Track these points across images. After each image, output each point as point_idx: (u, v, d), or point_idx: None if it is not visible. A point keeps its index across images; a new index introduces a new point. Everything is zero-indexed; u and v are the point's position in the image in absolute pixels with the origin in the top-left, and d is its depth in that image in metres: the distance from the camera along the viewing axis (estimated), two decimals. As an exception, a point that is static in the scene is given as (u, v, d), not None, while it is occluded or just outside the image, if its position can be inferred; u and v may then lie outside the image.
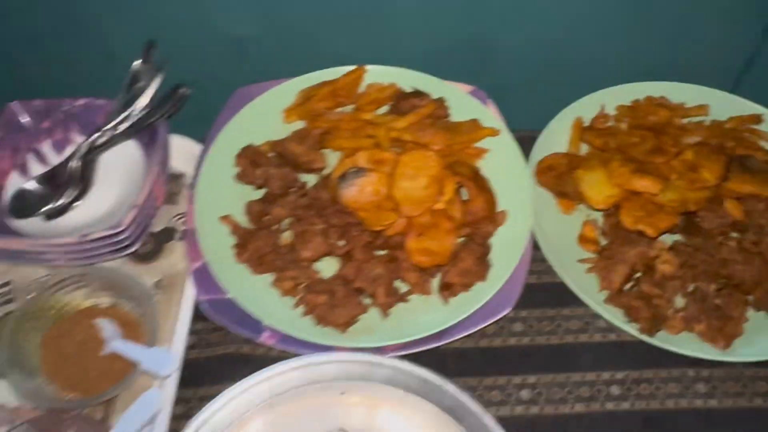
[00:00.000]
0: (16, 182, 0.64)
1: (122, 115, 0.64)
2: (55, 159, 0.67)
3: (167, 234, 0.66)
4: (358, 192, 0.60)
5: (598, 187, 0.63)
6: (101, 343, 0.58)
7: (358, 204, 0.60)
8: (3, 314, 0.61)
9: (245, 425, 0.52)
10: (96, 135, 0.64)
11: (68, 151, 0.67)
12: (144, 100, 0.64)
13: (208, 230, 0.62)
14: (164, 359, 0.54)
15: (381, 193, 0.60)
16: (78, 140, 0.67)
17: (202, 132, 0.70)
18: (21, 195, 0.62)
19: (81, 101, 0.66)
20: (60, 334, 0.59)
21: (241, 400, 0.52)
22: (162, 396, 0.53)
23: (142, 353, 0.55)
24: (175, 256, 0.65)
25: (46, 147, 0.67)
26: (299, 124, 0.70)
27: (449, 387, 0.52)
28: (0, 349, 0.56)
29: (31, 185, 0.63)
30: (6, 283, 0.63)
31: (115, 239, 0.58)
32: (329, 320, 0.58)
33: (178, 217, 0.67)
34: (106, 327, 0.59)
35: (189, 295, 0.61)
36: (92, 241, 0.58)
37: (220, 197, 0.65)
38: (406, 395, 0.53)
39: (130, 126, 0.64)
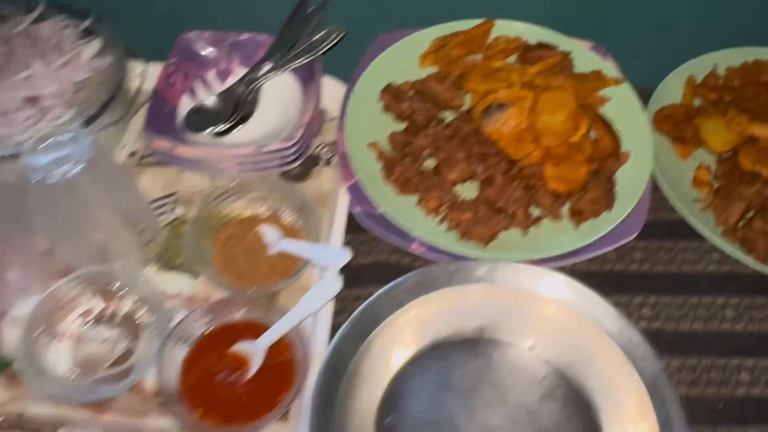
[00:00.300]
0: (185, 104, 0.72)
1: (282, 50, 0.72)
2: (218, 87, 0.74)
3: (314, 160, 0.73)
4: (501, 124, 0.67)
5: (718, 132, 0.69)
6: (266, 246, 0.65)
7: (500, 135, 0.67)
8: (172, 219, 0.69)
9: (403, 314, 0.59)
10: (258, 67, 0.72)
11: (229, 80, 0.74)
12: (303, 38, 0.71)
13: (358, 154, 0.69)
14: (335, 253, 0.61)
15: (521, 126, 0.67)
16: (239, 71, 0.74)
17: (340, 73, 0.77)
18: (198, 110, 0.70)
19: (244, 35, 0.74)
20: (228, 237, 0.66)
21: (398, 295, 0.59)
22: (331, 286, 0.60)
23: (312, 250, 0.62)
24: (321, 179, 0.72)
25: (210, 75, 0.74)
26: (431, 69, 0.77)
27: (588, 292, 0.59)
28: (186, 247, 0.64)
29: (210, 102, 0.70)
30: (173, 193, 0.70)
31: (285, 152, 0.66)
32: (472, 235, 0.64)
33: (322, 146, 0.74)
34: (269, 232, 0.66)
35: (340, 210, 0.68)
36: (266, 152, 0.65)
37: (366, 126, 0.71)
38: (549, 297, 0.59)
39: (289, 60, 0.71)
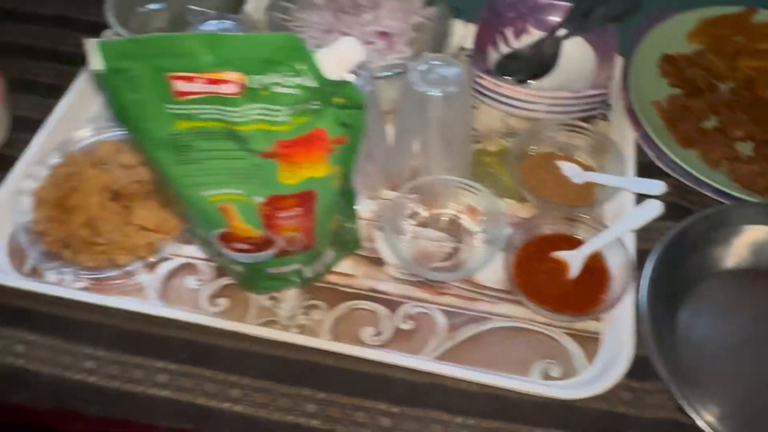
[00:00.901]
0: (490, 54, 0.83)
1: (579, 15, 0.82)
2: (514, 43, 0.85)
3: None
4: (784, 92, 0.76)
5: None
6: (566, 177, 0.76)
7: (782, 102, 0.76)
8: (475, 150, 0.80)
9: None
10: (556, 29, 0.82)
11: (523, 38, 0.85)
12: (600, 7, 0.82)
13: (642, 111, 0.79)
14: (649, 183, 0.71)
15: (804, 96, 0.76)
16: (532, 31, 0.85)
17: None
18: (511, 56, 0.81)
19: (543, 0, 0.85)
20: (531, 168, 0.77)
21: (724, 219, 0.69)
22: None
23: (623, 180, 0.72)
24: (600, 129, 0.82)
25: (509, 32, 0.85)
26: (697, 46, 0.86)
27: None
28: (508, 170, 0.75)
29: (523, 51, 0.81)
30: (476, 129, 0.81)
31: (595, 99, 0.76)
32: (755, 186, 0.73)
33: (598, 103, 0.84)
34: (567, 166, 0.76)
35: (628, 157, 0.78)
36: (580, 97, 0.75)
37: (645, 88, 0.81)
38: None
39: (586, 25, 0.82)
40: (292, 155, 0.55)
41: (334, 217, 0.63)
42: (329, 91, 0.52)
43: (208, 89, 0.51)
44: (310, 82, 0.51)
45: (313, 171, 0.56)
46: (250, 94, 0.51)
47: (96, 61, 0.49)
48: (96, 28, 0.89)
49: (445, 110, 0.67)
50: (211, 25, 0.73)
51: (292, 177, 0.56)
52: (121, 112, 0.53)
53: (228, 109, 0.52)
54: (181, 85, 0.51)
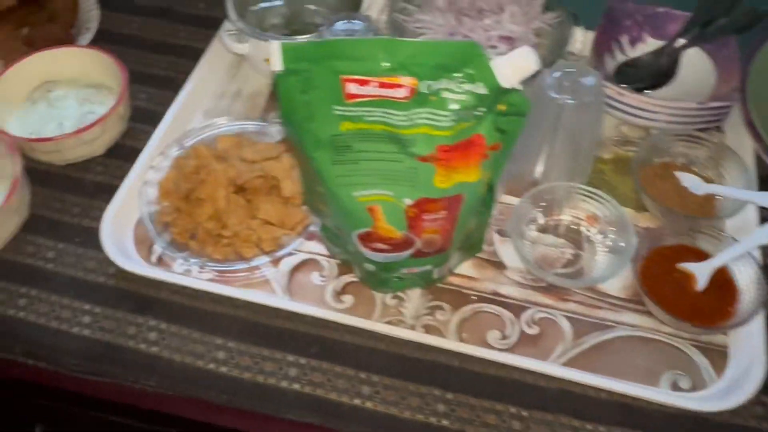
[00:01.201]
0: (606, 61, 0.83)
1: (698, 26, 0.82)
2: (629, 51, 0.85)
3: (705, 124, 0.83)
4: None
5: None
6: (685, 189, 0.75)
7: None
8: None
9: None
10: (675, 39, 0.82)
11: (639, 46, 0.85)
12: (721, 18, 0.81)
13: (763, 123, 0.78)
14: (777, 198, 0.70)
15: None
16: (648, 40, 0.85)
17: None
18: (631, 64, 0.81)
19: (660, 9, 0.84)
20: (651, 177, 0.76)
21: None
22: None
23: (750, 194, 0.72)
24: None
25: (624, 39, 0.85)
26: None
27: None
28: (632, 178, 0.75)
29: (644, 59, 0.81)
30: (588, 136, 0.82)
31: (718, 111, 0.76)
32: None
33: (710, 114, 0.84)
34: (687, 177, 0.76)
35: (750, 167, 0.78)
36: (705, 108, 0.75)
37: (766, 100, 0.81)
38: None
39: (706, 36, 0.81)
40: (449, 160, 0.55)
41: (472, 221, 0.64)
42: (496, 98, 0.53)
43: (379, 92, 0.52)
44: (481, 89, 0.52)
45: (466, 176, 0.57)
46: (419, 99, 0.52)
47: (276, 61, 0.50)
48: (206, 23, 0.92)
49: (577, 118, 0.68)
50: (341, 25, 0.74)
51: (446, 181, 0.57)
52: (289, 112, 0.54)
53: (394, 112, 0.53)
54: (353, 88, 0.52)
